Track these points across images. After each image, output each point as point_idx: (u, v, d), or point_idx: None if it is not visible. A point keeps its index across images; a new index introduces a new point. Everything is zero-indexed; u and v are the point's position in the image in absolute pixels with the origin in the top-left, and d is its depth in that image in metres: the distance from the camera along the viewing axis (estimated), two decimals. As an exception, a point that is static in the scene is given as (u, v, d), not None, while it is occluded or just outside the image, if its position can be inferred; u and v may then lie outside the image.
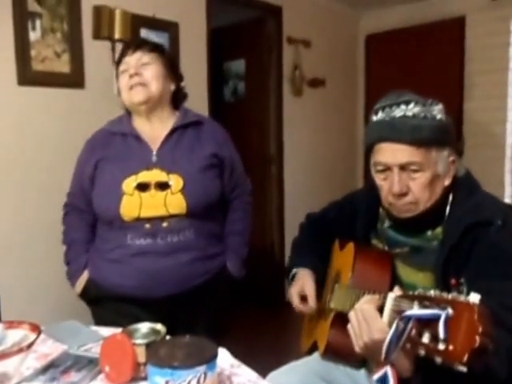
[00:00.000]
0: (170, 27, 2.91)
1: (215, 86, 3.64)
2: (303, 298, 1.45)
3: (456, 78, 3.95)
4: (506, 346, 0.94)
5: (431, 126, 1.18)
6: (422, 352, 0.83)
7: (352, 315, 1.06)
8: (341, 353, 1.33)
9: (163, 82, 1.59)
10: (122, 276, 1.53)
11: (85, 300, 1.66)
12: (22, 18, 2.27)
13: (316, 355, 1.45)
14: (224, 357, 1.11)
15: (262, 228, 4.08)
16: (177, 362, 0.85)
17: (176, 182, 1.51)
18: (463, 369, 0.77)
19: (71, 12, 2.45)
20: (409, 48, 4.22)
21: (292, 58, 3.91)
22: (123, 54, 1.61)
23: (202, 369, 0.85)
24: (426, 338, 0.82)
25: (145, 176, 1.52)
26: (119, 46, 2.19)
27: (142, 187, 1.50)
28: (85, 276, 1.63)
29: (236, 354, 1.15)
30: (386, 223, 1.39)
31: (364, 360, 1.37)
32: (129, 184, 1.51)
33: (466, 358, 0.76)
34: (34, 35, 2.32)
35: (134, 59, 1.57)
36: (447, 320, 0.79)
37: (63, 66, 2.45)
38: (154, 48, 1.62)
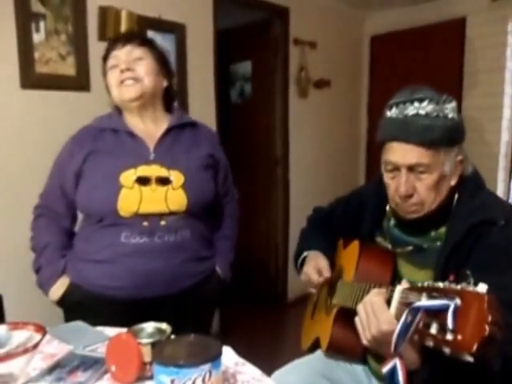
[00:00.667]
0: (176, 29, 2.91)
1: (222, 87, 3.65)
2: (319, 273, 1.46)
3: (456, 77, 3.97)
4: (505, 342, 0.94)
5: (443, 126, 1.18)
6: (431, 343, 0.84)
7: (360, 308, 1.07)
8: (344, 348, 1.35)
9: (156, 79, 1.53)
10: (111, 277, 1.46)
11: (64, 306, 1.55)
12: (25, 19, 2.20)
13: (318, 353, 1.46)
14: (228, 355, 1.12)
15: (268, 229, 4.11)
16: (182, 360, 0.85)
17: (177, 177, 1.47)
18: (470, 359, 0.77)
19: (76, 13, 2.39)
20: (412, 49, 4.24)
21: (298, 59, 3.91)
22: (111, 48, 1.53)
23: (206, 367, 0.85)
24: (433, 329, 0.83)
25: (145, 170, 1.46)
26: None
27: (143, 181, 1.44)
28: (64, 281, 1.52)
29: (239, 352, 1.15)
30: (392, 221, 1.40)
31: (364, 357, 1.39)
32: (128, 177, 1.44)
33: (475, 347, 0.76)
34: (37, 37, 2.27)
35: (123, 53, 1.49)
36: (456, 310, 0.79)
37: (68, 68, 2.40)
38: (145, 41, 1.55)
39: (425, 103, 1.20)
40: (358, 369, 1.42)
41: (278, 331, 3.54)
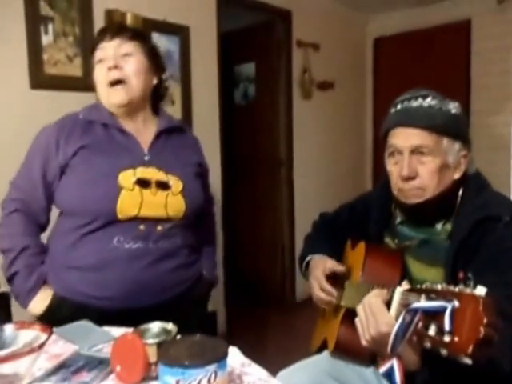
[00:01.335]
0: (180, 31, 2.94)
1: (226, 89, 3.66)
2: (329, 278, 1.44)
3: (463, 80, 3.96)
4: (511, 339, 0.94)
5: (445, 116, 1.23)
6: (428, 344, 0.84)
7: (360, 309, 1.08)
8: (350, 350, 1.34)
9: (145, 78, 1.45)
10: (97, 286, 1.34)
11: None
12: (34, 22, 2.28)
13: (325, 354, 1.45)
14: (234, 355, 1.11)
15: (273, 230, 4.10)
16: (187, 361, 0.84)
17: (175, 183, 1.42)
18: (468, 361, 0.77)
19: (83, 16, 2.46)
20: (416, 51, 4.25)
21: (301, 61, 3.92)
22: (99, 39, 1.43)
23: (212, 368, 0.84)
24: (432, 331, 0.83)
25: (144, 172, 1.38)
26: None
27: (143, 183, 1.36)
28: (47, 293, 1.38)
29: (246, 353, 1.14)
30: (398, 219, 1.41)
31: (373, 358, 1.38)
32: (127, 178, 1.35)
33: (470, 349, 0.76)
34: (46, 39, 2.34)
35: (111, 47, 1.40)
36: (453, 312, 0.80)
37: (75, 69, 2.46)
38: (135, 35, 1.45)
39: (428, 99, 1.26)
40: (368, 370, 1.40)
41: (284, 332, 3.52)
